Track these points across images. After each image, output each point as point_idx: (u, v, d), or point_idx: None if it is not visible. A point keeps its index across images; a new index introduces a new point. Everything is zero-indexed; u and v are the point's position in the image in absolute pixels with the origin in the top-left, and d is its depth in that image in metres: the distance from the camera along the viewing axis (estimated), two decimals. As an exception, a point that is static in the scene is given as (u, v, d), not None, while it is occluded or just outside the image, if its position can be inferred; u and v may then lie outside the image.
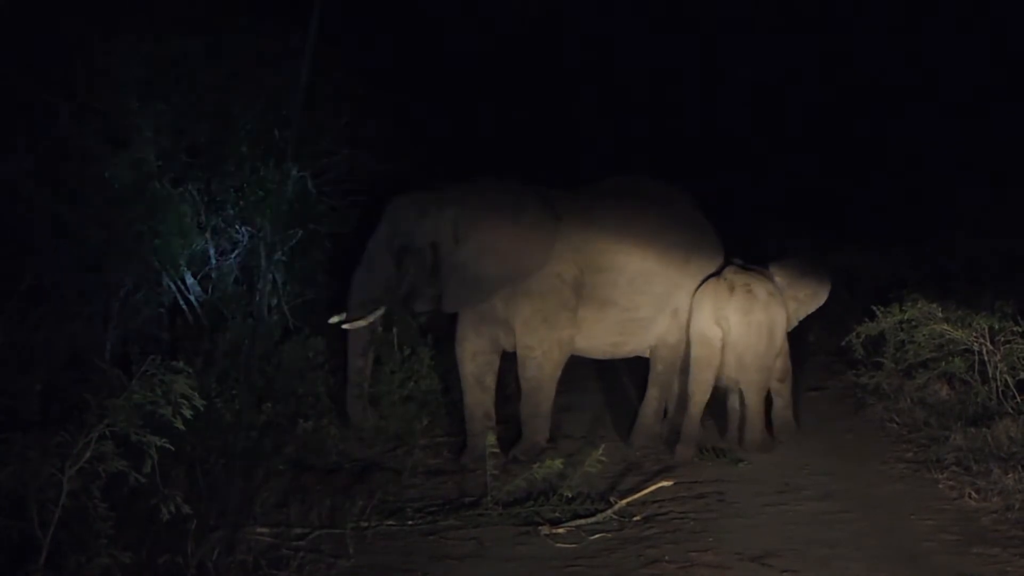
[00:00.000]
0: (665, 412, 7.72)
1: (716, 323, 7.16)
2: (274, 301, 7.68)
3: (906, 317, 7.69)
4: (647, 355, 7.60)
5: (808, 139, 13.16)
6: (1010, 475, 6.15)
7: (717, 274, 7.35)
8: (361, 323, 6.97)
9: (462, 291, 7.10)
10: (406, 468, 6.72)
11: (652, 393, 7.56)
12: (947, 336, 7.56)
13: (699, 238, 7.44)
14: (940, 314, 7.61)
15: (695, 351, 7.27)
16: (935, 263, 8.08)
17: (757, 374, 7.25)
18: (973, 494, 6.11)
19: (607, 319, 7.24)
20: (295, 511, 5.82)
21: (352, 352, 7.15)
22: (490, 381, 7.41)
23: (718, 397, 7.47)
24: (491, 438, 6.25)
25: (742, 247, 7.61)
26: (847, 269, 7.91)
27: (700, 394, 7.23)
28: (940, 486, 6.37)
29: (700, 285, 7.33)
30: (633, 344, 7.47)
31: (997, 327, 7.36)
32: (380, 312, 7.01)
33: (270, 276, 7.35)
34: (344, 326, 7.00)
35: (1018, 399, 7.23)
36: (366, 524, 5.72)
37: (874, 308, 7.80)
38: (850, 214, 11.89)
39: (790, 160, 13.02)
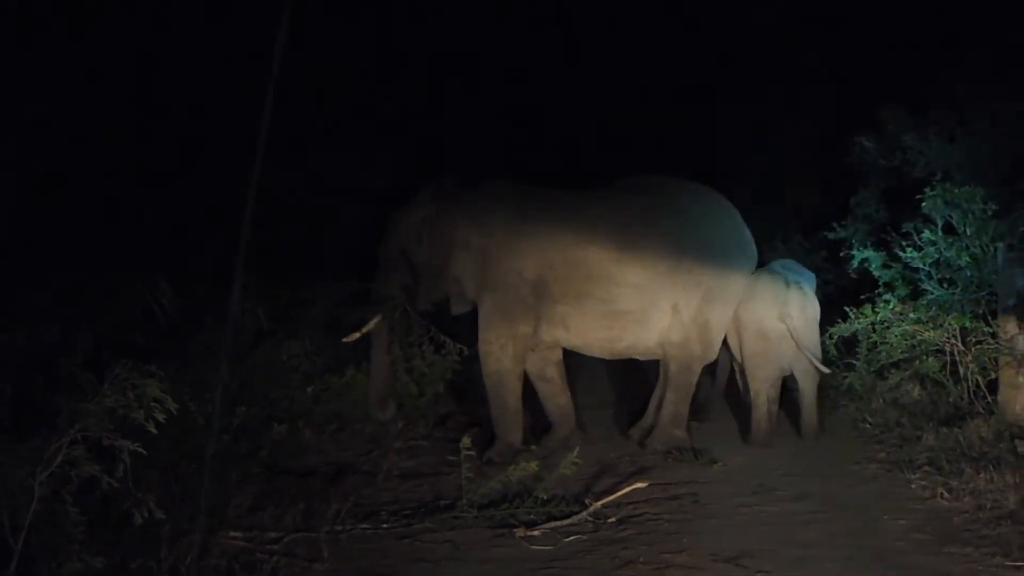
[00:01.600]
0: (642, 412, 7.77)
1: (780, 318, 7.33)
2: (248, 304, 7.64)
3: (878, 318, 7.75)
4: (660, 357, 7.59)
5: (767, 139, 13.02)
6: (982, 475, 6.20)
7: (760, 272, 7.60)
8: (355, 336, 7.26)
9: (427, 288, 7.44)
10: (381, 471, 6.72)
11: (669, 396, 7.50)
12: (919, 337, 7.62)
13: (706, 236, 7.36)
14: (912, 315, 7.66)
15: (753, 347, 7.44)
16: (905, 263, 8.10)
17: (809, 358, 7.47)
18: (945, 494, 6.14)
19: (587, 312, 7.24)
20: (269, 515, 5.80)
21: (375, 349, 7.39)
22: (551, 373, 7.74)
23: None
24: (465, 440, 6.24)
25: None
26: (818, 270, 7.95)
27: (766, 389, 7.50)
28: (913, 486, 6.41)
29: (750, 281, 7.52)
30: (630, 340, 7.40)
31: (968, 327, 7.41)
32: (373, 323, 7.27)
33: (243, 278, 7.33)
34: (344, 339, 7.30)
35: (989, 399, 7.30)
36: (341, 527, 5.71)
37: (846, 309, 7.83)
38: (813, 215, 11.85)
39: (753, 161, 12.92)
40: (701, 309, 7.31)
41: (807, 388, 7.52)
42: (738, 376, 7.99)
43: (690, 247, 7.27)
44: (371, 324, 7.30)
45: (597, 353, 7.62)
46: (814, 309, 7.49)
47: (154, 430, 4.58)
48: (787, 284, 7.41)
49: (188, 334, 6.83)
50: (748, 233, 7.64)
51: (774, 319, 7.35)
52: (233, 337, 6.77)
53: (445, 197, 7.42)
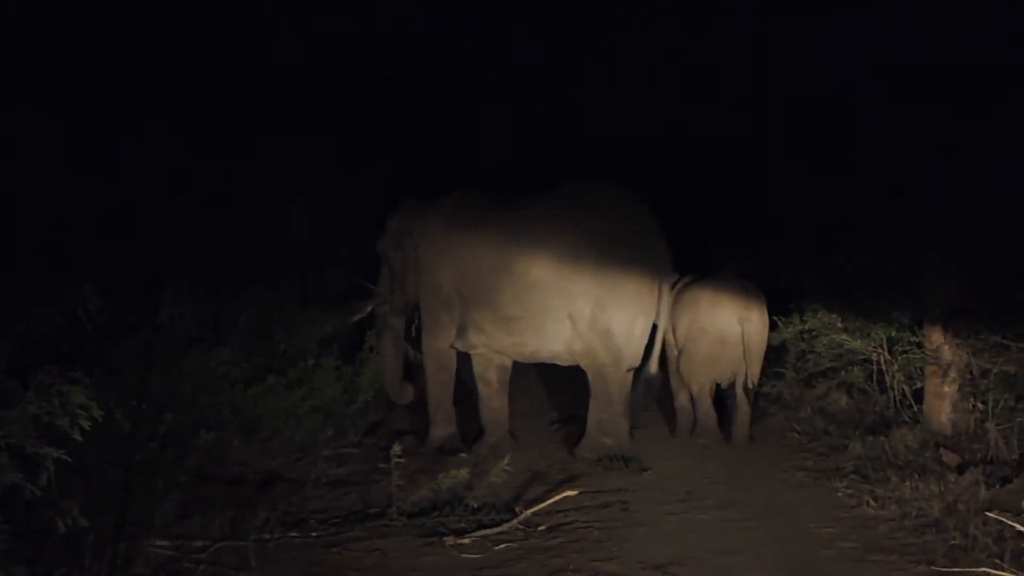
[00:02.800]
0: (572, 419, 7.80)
1: (739, 322, 7.50)
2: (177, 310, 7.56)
3: (806, 327, 7.80)
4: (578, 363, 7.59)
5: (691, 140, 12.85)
6: (907, 483, 6.28)
7: (706, 279, 7.71)
8: (354, 319, 8.33)
9: (398, 292, 8.03)
10: (310, 479, 6.67)
11: (592, 406, 7.51)
12: (846, 346, 7.69)
13: (596, 244, 7.23)
14: (839, 324, 7.73)
15: (708, 349, 7.57)
16: (834, 272, 8.15)
17: (758, 368, 7.69)
18: (871, 502, 6.21)
19: (486, 318, 7.44)
20: (196, 523, 5.74)
21: (383, 341, 8.12)
22: (491, 376, 7.91)
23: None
24: (396, 448, 6.20)
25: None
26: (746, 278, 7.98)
27: (706, 385, 7.74)
28: (839, 494, 6.47)
29: (697, 288, 7.63)
30: (534, 345, 7.45)
31: (895, 336, 7.49)
32: (361, 314, 8.28)
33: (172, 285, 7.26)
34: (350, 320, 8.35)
35: (915, 408, 7.39)
36: (268, 536, 5.66)
37: (775, 318, 7.88)
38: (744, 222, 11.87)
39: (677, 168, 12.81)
40: (596, 317, 7.24)
41: (742, 396, 7.57)
42: (671, 378, 7.97)
43: (570, 255, 7.22)
44: (359, 315, 8.28)
45: (513, 357, 7.78)
46: (766, 316, 7.68)
47: (79, 437, 4.50)
48: (747, 291, 7.62)
49: (115, 340, 6.74)
50: (661, 240, 7.53)
51: (734, 323, 7.47)
52: (161, 343, 6.71)
53: (411, 208, 7.90)
